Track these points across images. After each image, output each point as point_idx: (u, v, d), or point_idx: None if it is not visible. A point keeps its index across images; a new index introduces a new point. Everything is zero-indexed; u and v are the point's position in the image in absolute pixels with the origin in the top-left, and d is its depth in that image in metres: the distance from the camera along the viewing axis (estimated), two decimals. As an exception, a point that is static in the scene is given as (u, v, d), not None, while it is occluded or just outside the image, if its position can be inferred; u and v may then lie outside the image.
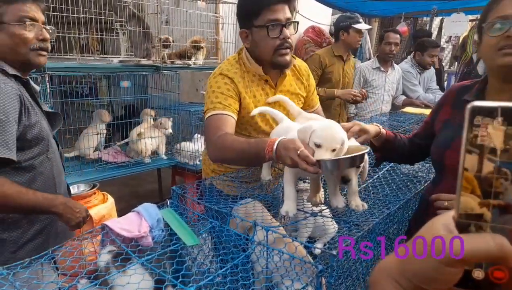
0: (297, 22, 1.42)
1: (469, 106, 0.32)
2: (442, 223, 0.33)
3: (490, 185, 0.32)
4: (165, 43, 2.77)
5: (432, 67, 3.62)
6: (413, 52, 3.60)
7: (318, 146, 0.98)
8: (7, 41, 1.20)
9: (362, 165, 1.07)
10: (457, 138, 1.09)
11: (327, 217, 1.17)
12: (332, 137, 0.98)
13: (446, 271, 0.31)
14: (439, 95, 3.48)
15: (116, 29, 2.49)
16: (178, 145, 3.01)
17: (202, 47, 2.99)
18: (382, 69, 3.27)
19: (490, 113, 0.32)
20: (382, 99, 3.30)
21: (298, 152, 0.96)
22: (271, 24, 1.30)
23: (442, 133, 1.17)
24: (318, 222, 1.23)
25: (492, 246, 0.30)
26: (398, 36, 3.23)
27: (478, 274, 0.32)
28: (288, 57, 1.38)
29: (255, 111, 1.34)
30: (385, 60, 3.27)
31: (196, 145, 2.95)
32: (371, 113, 3.21)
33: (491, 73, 1.06)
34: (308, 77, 1.57)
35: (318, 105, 1.65)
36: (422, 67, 3.53)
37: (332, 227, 1.20)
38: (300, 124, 1.19)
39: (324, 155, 0.97)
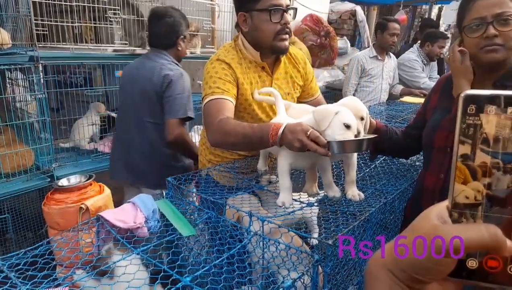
0: (296, 9, 1.41)
1: (462, 94, 0.32)
2: (436, 213, 0.34)
3: (482, 175, 0.32)
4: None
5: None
6: (420, 42, 3.55)
7: (348, 127, 0.98)
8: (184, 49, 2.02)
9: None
10: (444, 119, 1.16)
11: (321, 206, 1.16)
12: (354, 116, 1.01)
13: (441, 262, 0.32)
14: None
15: (110, 17, 2.44)
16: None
17: (196, 34, 2.96)
18: (379, 58, 3.25)
19: (488, 100, 0.31)
20: (380, 88, 3.29)
21: (308, 133, 0.96)
22: (273, 9, 1.29)
23: (432, 118, 1.22)
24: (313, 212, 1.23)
25: (486, 235, 0.30)
26: (399, 26, 3.22)
27: (472, 263, 0.32)
28: (287, 43, 1.38)
29: (265, 90, 1.34)
30: (385, 49, 3.24)
31: (194, 137, 2.94)
32: (370, 102, 3.20)
33: (476, 66, 1.12)
34: (304, 65, 1.55)
35: (318, 94, 1.62)
36: (430, 58, 3.51)
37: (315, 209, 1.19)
38: (292, 117, 1.19)
39: (351, 136, 0.98)
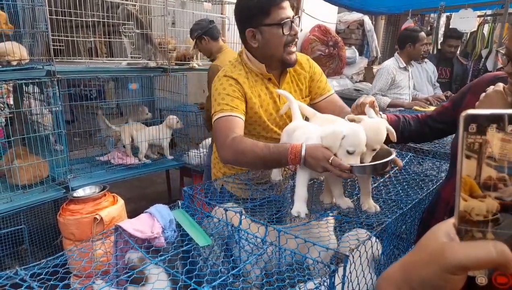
0: (299, 17, 1.44)
1: (463, 114, 0.33)
2: (444, 230, 0.34)
3: (489, 190, 0.32)
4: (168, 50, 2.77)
5: (430, 61, 3.58)
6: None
7: (351, 153, 1.01)
8: None
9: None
10: None
11: (336, 216, 1.16)
12: (362, 142, 1.01)
13: (451, 279, 0.32)
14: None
15: (123, 32, 2.50)
16: (186, 146, 3.03)
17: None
18: (406, 68, 3.16)
19: (487, 120, 0.32)
20: (409, 99, 3.21)
21: (330, 160, 0.99)
22: (285, 21, 1.31)
23: None
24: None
25: (493, 253, 0.31)
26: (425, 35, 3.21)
27: (481, 280, 0.33)
28: (295, 56, 1.40)
29: (280, 91, 1.37)
30: (416, 60, 3.19)
31: (204, 148, 2.96)
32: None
33: None
34: (309, 68, 1.54)
35: (330, 93, 1.56)
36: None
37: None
38: (314, 125, 1.19)
39: (356, 160, 1.00)
